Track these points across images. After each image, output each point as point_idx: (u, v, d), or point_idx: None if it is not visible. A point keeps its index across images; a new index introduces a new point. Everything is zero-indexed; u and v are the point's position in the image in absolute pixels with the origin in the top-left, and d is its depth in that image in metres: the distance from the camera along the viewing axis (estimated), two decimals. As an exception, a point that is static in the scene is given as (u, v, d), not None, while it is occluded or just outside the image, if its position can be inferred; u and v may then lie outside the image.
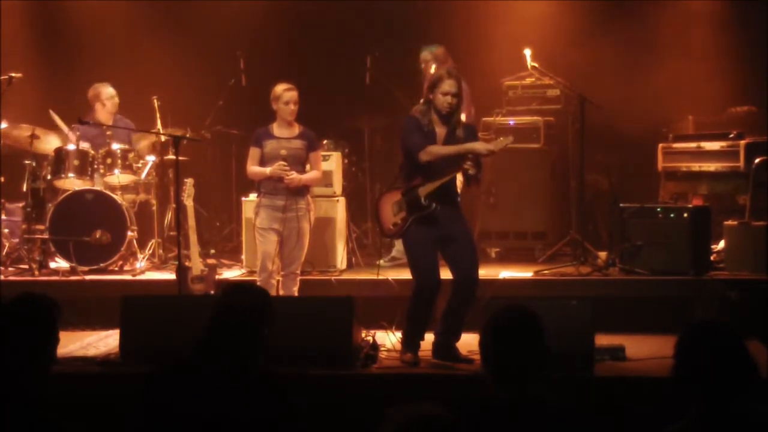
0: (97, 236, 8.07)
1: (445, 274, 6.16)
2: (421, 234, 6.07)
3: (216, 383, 3.43)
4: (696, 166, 8.49)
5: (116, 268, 8.25)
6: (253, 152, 7.01)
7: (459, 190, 6.41)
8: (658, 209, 7.65)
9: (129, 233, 8.14)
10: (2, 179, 8.54)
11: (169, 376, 3.52)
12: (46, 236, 8.12)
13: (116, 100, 8.69)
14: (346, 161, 8.87)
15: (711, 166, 8.38)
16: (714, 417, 3.04)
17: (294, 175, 6.89)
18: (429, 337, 6.20)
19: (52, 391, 3.35)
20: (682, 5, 9.57)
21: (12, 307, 3.37)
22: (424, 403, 2.59)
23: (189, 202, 7.30)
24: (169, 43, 9.78)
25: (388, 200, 6.23)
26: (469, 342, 5.86)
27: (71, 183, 8.25)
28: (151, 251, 8.41)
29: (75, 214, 8.08)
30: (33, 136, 8.31)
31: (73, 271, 7.92)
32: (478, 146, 6.02)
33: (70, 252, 7.95)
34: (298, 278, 7.07)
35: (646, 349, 6.22)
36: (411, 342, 6.15)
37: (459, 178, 6.20)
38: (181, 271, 6.99)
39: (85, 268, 7.98)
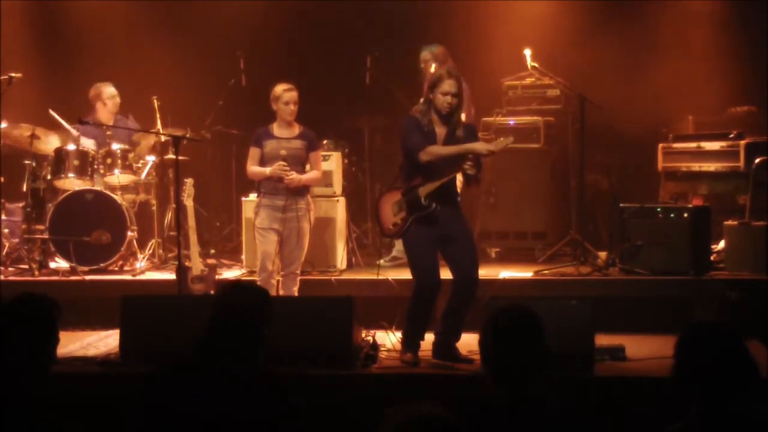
0: (97, 236, 8.06)
1: (445, 274, 6.16)
2: (421, 234, 6.07)
3: (216, 383, 3.43)
4: (696, 166, 8.49)
5: (116, 268, 8.25)
6: (253, 152, 7.01)
7: (459, 190, 6.40)
8: (658, 209, 7.65)
9: (129, 233, 8.14)
10: (2, 179, 8.54)
11: (169, 376, 3.52)
12: (46, 236, 8.11)
13: (117, 99, 8.69)
14: (346, 161, 8.87)
15: (711, 166, 8.38)
16: (714, 417, 3.04)
17: (294, 176, 6.89)
18: (429, 337, 6.20)
19: (52, 391, 3.35)
20: (682, 5, 9.57)
21: (12, 307, 3.37)
22: (424, 403, 2.59)
23: (189, 202, 7.30)
24: (169, 43, 9.77)
25: (388, 200, 6.23)
26: (469, 342, 5.86)
27: (71, 183, 8.25)
28: (151, 251, 8.41)
29: (75, 214, 8.08)
30: (33, 136, 8.31)
31: (73, 271, 7.92)
32: (479, 146, 6.02)
33: (70, 252, 7.95)
34: (298, 278, 7.07)
35: (646, 349, 6.22)
36: (411, 342, 6.15)
37: (459, 178, 6.20)
38: (181, 271, 6.99)
39: (85, 268, 7.98)
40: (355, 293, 6.63)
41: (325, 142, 8.64)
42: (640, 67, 9.52)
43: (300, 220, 6.94)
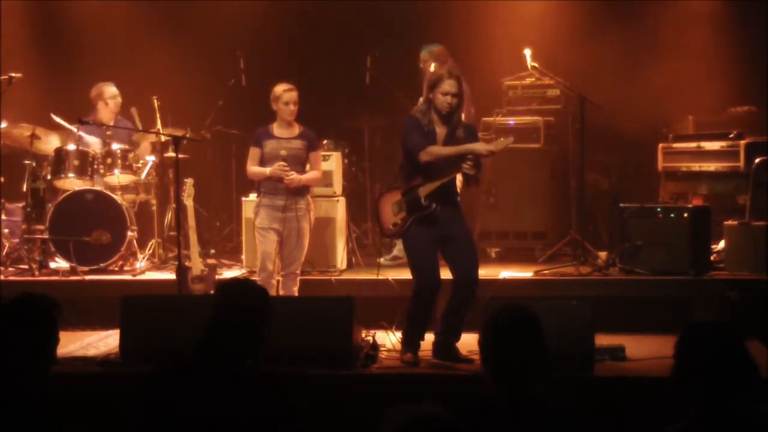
0: (97, 236, 8.06)
1: (445, 274, 6.16)
2: (421, 234, 6.07)
3: (216, 383, 3.43)
4: (696, 166, 8.49)
5: (116, 268, 8.25)
6: (253, 152, 7.02)
7: (459, 190, 6.40)
8: (658, 209, 7.65)
9: (129, 233, 8.14)
10: (2, 179, 8.54)
11: (169, 376, 3.52)
12: (46, 236, 8.11)
13: (119, 99, 8.70)
14: (346, 161, 8.87)
15: (711, 166, 8.38)
16: (714, 417, 3.04)
17: (294, 176, 6.89)
18: (429, 337, 6.20)
19: (52, 391, 3.35)
20: (682, 5, 9.57)
21: (12, 307, 3.37)
22: (424, 403, 2.59)
23: (189, 202, 7.30)
24: (169, 43, 9.77)
25: (388, 200, 6.23)
26: (469, 342, 5.86)
27: (71, 183, 8.25)
28: (151, 251, 8.41)
29: (75, 214, 8.08)
30: (33, 136, 8.31)
31: (73, 271, 7.92)
32: (479, 147, 6.02)
33: (70, 252, 7.95)
34: (298, 278, 7.07)
35: (646, 349, 6.22)
36: (411, 342, 6.15)
37: (459, 177, 6.20)
38: (181, 271, 6.99)
39: (85, 268, 7.98)
40: (355, 293, 6.63)
41: (325, 142, 8.64)
42: (640, 67, 9.52)
43: (300, 220, 6.94)
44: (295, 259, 6.99)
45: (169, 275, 7.60)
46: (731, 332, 3.15)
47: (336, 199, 8.13)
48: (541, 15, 9.60)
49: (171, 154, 7.98)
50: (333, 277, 7.73)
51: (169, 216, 8.78)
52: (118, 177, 8.31)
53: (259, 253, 6.99)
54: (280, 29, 10.12)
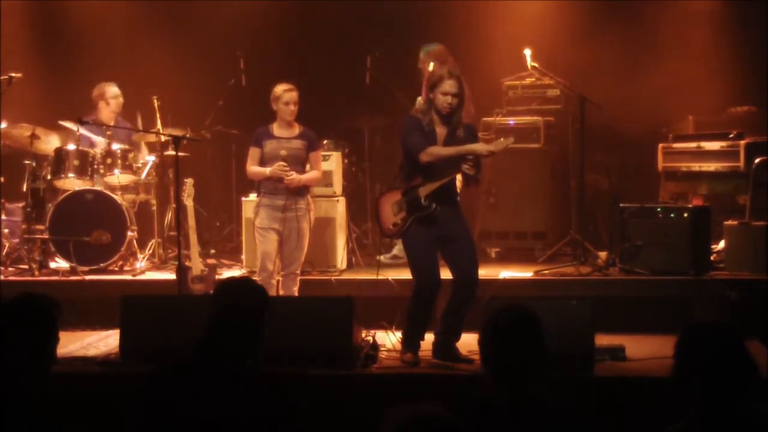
0: (97, 236, 8.06)
1: (445, 274, 6.16)
2: (421, 234, 6.07)
3: (216, 383, 3.43)
4: (696, 166, 8.49)
5: (116, 268, 8.25)
6: (253, 152, 7.02)
7: (458, 190, 6.40)
8: (658, 209, 7.65)
9: (129, 233, 8.14)
10: (2, 179, 8.54)
11: (169, 376, 3.52)
12: (46, 236, 8.11)
13: (120, 100, 8.70)
14: (346, 161, 8.87)
15: (711, 166, 8.38)
16: (714, 417, 3.04)
17: (294, 176, 6.89)
18: (429, 337, 6.20)
19: (52, 391, 3.35)
20: (682, 5, 9.57)
21: (12, 307, 3.37)
22: (424, 403, 2.59)
23: (189, 202, 7.30)
24: (169, 43, 9.77)
25: (387, 200, 6.23)
26: (469, 342, 5.86)
27: (71, 183, 8.25)
28: (151, 251, 8.41)
29: (75, 214, 8.08)
30: (33, 136, 8.31)
31: (73, 271, 7.92)
32: (479, 147, 6.02)
33: (70, 252, 7.95)
34: (298, 278, 7.07)
35: (646, 349, 6.22)
36: (411, 342, 6.15)
37: (458, 178, 6.20)
38: (181, 271, 6.99)
39: (85, 268, 7.98)
40: (355, 293, 6.63)
41: (325, 142, 8.63)
42: (640, 67, 9.51)
43: (300, 220, 6.94)
44: (295, 259, 6.99)
45: (169, 275, 7.60)
46: (731, 332, 3.15)
47: (336, 199, 8.13)
48: (541, 15, 9.60)
49: (171, 152, 7.97)
50: (333, 277, 7.73)
51: (169, 216, 8.78)
52: (118, 177, 8.31)
53: (259, 253, 6.99)
54: (280, 29, 10.12)
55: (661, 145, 8.68)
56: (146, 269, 8.15)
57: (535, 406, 3.24)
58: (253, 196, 7.63)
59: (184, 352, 3.57)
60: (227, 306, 3.59)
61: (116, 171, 8.30)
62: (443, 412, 2.55)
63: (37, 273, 7.99)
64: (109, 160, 8.30)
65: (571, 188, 8.97)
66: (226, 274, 7.94)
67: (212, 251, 9.02)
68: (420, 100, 8.20)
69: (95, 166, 8.25)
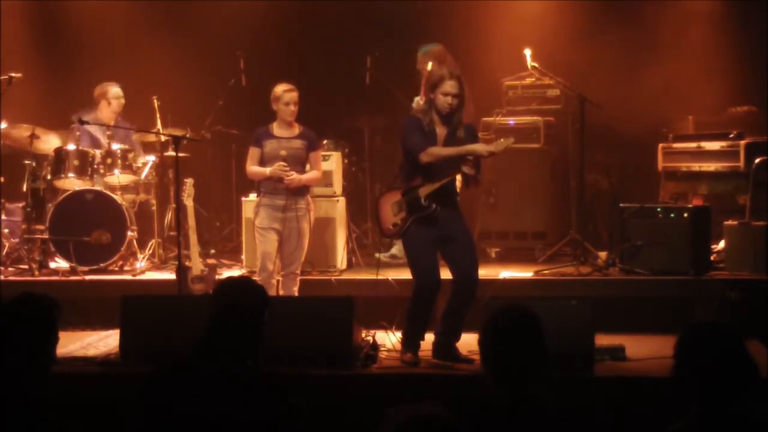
0: (97, 236, 8.06)
1: (445, 274, 6.16)
2: (421, 234, 6.07)
3: (216, 383, 3.43)
4: (696, 166, 8.49)
5: (116, 268, 8.25)
6: (253, 152, 7.02)
7: (458, 190, 6.40)
8: (658, 209, 7.65)
9: (129, 233, 8.14)
10: (2, 179, 8.54)
11: (169, 376, 3.52)
12: (46, 236, 8.11)
13: (122, 101, 8.70)
14: (346, 161, 8.87)
15: (711, 166, 8.38)
16: (714, 417, 3.04)
17: (294, 176, 6.89)
18: (429, 337, 6.20)
19: (52, 391, 3.35)
20: (682, 5, 9.57)
21: (12, 307, 3.37)
22: (424, 403, 2.59)
23: (189, 202, 7.30)
24: (169, 43, 9.77)
25: (387, 200, 6.23)
26: (469, 342, 5.86)
27: (71, 183, 8.25)
28: (151, 251, 8.41)
29: (75, 214, 8.08)
30: (33, 136, 8.31)
31: (73, 271, 7.92)
32: (479, 148, 6.02)
33: (70, 252, 7.95)
34: (298, 278, 7.07)
35: (646, 349, 6.22)
36: (411, 342, 6.15)
37: (458, 178, 6.20)
38: (181, 271, 6.99)
39: (85, 268, 7.98)
40: (355, 293, 6.63)
41: (325, 142, 8.63)
42: (640, 66, 9.51)
43: (300, 220, 6.94)
44: (295, 259, 6.99)
45: (169, 275, 7.60)
46: (731, 332, 3.15)
47: (336, 199, 8.13)
48: (541, 15, 9.59)
49: (171, 153, 7.98)
50: (333, 277, 7.73)
51: (169, 216, 8.78)
52: (118, 177, 8.31)
53: (259, 253, 6.99)
54: (280, 29, 10.12)
55: (661, 145, 8.68)
56: (146, 269, 8.15)
57: (535, 406, 3.24)
58: (253, 196, 7.63)
59: (184, 352, 3.57)
60: (227, 306, 3.59)
61: (116, 171, 8.30)
62: (443, 412, 2.55)
63: (37, 273, 7.99)
64: (109, 160, 8.30)
65: (571, 188, 8.97)
66: (226, 274, 7.93)
67: (212, 251, 9.02)
68: (417, 100, 8.21)
69: (95, 166, 8.25)
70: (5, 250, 8.34)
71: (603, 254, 7.95)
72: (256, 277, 6.87)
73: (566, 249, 8.42)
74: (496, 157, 7.18)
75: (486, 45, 9.45)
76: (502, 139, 6.27)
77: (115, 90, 8.67)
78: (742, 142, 8.18)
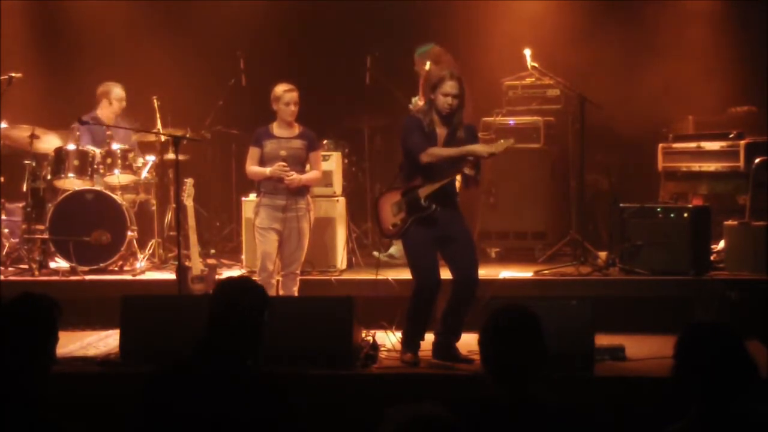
0: (97, 236, 8.06)
1: (445, 274, 6.16)
2: (421, 234, 6.07)
3: (216, 383, 3.43)
4: (696, 166, 8.49)
5: (116, 268, 8.24)
6: (253, 152, 7.02)
7: (457, 191, 6.41)
8: (658, 209, 7.65)
9: (129, 233, 8.14)
10: (2, 179, 8.54)
11: (169, 376, 3.52)
12: (46, 236, 8.11)
13: (124, 103, 8.71)
14: (346, 161, 8.87)
15: (711, 166, 8.38)
16: (714, 417, 3.04)
17: (294, 176, 6.89)
18: (429, 337, 6.20)
19: (52, 391, 3.35)
20: (682, 5, 9.57)
21: (12, 307, 3.37)
22: (424, 403, 2.59)
23: (189, 202, 7.30)
24: (169, 43, 9.77)
25: (387, 200, 6.23)
26: (469, 342, 5.86)
27: (71, 183, 8.25)
28: (151, 251, 8.41)
29: (75, 214, 8.08)
30: (33, 136, 8.31)
31: (73, 271, 7.92)
32: (479, 149, 6.02)
33: (70, 252, 7.95)
34: (298, 278, 7.07)
35: (646, 349, 6.22)
36: (411, 342, 6.15)
37: (458, 178, 6.20)
38: (181, 271, 6.99)
39: (85, 268, 7.98)
40: (355, 293, 6.63)
41: (325, 142, 8.64)
42: (640, 66, 9.51)
43: (300, 220, 6.95)
44: (295, 259, 6.99)
45: (169, 275, 7.60)
46: (731, 332, 3.15)
47: (336, 199, 8.13)
48: (541, 15, 9.59)
49: (171, 156, 7.98)
50: (333, 277, 7.73)
51: (169, 216, 8.78)
52: (118, 177, 8.31)
53: (259, 253, 6.99)
54: (280, 29, 10.12)
55: (661, 145, 8.68)
56: (146, 269, 8.15)
57: (535, 406, 3.24)
58: (253, 196, 7.63)
59: (184, 352, 3.57)
60: (227, 306, 3.59)
61: (116, 171, 8.30)
62: (443, 412, 2.55)
63: (37, 273, 7.99)
64: (109, 160, 8.30)
65: (571, 188, 8.97)
66: (226, 274, 7.93)
67: (212, 251, 9.02)
68: (415, 101, 8.23)
69: (95, 166, 8.25)
70: (5, 250, 8.34)
71: (603, 254, 7.95)
72: (256, 277, 6.87)
73: (566, 249, 8.42)
74: (496, 158, 7.15)
75: (486, 45, 9.45)
76: (502, 140, 6.27)
77: (117, 91, 8.67)
78: (742, 142, 8.18)
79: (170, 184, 8.65)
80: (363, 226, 9.25)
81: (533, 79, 9.03)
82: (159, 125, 8.69)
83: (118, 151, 8.32)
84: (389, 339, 6.51)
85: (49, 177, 8.29)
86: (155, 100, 8.74)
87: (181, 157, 7.27)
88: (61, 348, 3.57)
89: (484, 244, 8.72)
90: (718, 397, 3.05)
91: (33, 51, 9.93)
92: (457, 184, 6.33)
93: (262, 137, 7.00)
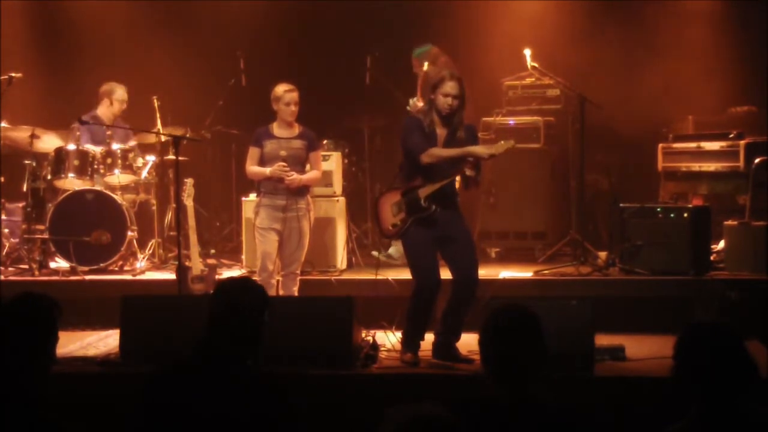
0: (97, 236, 8.06)
1: (445, 274, 6.16)
2: (421, 234, 6.07)
3: (216, 383, 3.43)
4: (696, 166, 8.49)
5: (116, 268, 8.24)
6: (253, 152, 7.01)
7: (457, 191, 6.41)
8: (658, 209, 7.65)
9: (129, 233, 8.14)
10: (2, 179, 8.54)
11: (169, 376, 3.52)
12: (46, 236, 8.11)
13: (125, 105, 8.71)
14: (346, 161, 8.87)
15: (711, 166, 8.38)
16: (714, 417, 3.04)
17: (294, 176, 6.89)
18: (429, 337, 6.20)
19: (52, 391, 3.35)
20: (682, 5, 9.57)
21: (12, 307, 3.37)
22: (424, 403, 2.59)
23: (189, 202, 7.30)
24: (169, 43, 9.78)
25: (387, 201, 6.23)
26: (469, 342, 5.86)
27: (71, 183, 8.25)
28: (151, 251, 8.41)
29: (75, 214, 8.08)
30: (33, 136, 8.31)
31: (73, 271, 7.92)
32: (480, 150, 6.02)
33: (70, 252, 7.95)
34: (298, 278, 7.07)
35: (646, 349, 6.22)
36: (411, 342, 6.15)
37: (457, 178, 6.20)
38: (181, 271, 6.99)
39: (85, 268, 7.98)
40: (355, 293, 6.62)
41: (325, 142, 8.64)
42: (640, 66, 9.52)
43: (300, 219, 6.95)
44: (295, 260, 6.99)
45: (169, 275, 7.60)
46: (731, 332, 3.15)
47: (336, 199, 8.13)
48: (541, 15, 9.60)
49: (171, 156, 7.98)
50: (333, 277, 7.73)
51: (169, 216, 8.78)
52: (118, 177, 8.31)
53: (259, 253, 6.98)
54: (280, 29, 10.12)
55: (661, 145, 8.68)
56: (146, 269, 8.15)
57: (535, 406, 3.24)
58: (253, 196, 7.63)
59: (184, 352, 3.57)
60: (227, 306, 3.59)
61: (116, 171, 8.30)
62: (443, 412, 2.55)
63: (37, 273, 7.99)
64: (109, 160, 8.30)
65: (571, 188, 8.97)
66: (226, 274, 7.94)
67: (212, 251, 9.02)
68: (413, 102, 8.23)
69: (95, 166, 8.25)
70: (5, 250, 8.34)
71: (603, 254, 7.95)
72: (256, 277, 6.87)
73: (566, 249, 8.42)
74: (496, 158, 7.16)
75: (486, 45, 9.45)
76: (502, 142, 6.26)
77: (120, 92, 8.67)
78: (742, 142, 8.18)
79: (170, 184, 8.65)
80: (363, 226, 9.25)
81: (533, 79, 9.03)
82: (159, 125, 8.69)
83: (118, 151, 8.32)
84: (389, 339, 6.51)
85: (49, 177, 8.29)
86: (155, 100, 8.74)
87: (181, 157, 7.26)
88: (61, 348, 3.57)
89: (484, 244, 8.72)
90: (718, 397, 3.05)
91: (33, 51, 9.93)
92: (457, 185, 6.33)
93: (262, 137, 7.00)
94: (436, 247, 6.13)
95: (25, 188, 8.41)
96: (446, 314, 6.15)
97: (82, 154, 8.23)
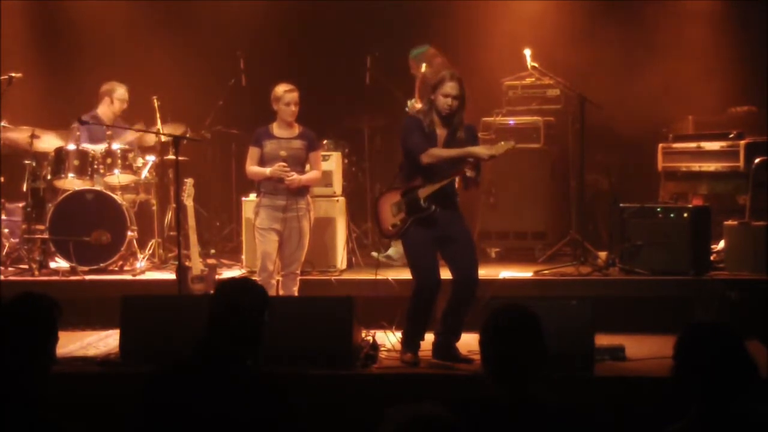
0: (97, 236, 8.06)
1: (445, 274, 6.16)
2: (421, 234, 6.07)
3: (216, 383, 3.43)
4: (696, 166, 8.49)
5: (116, 268, 8.24)
6: (253, 152, 7.01)
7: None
8: (658, 209, 7.65)
9: (129, 233, 8.14)
10: (2, 179, 8.54)
11: (169, 376, 3.52)
12: (46, 236, 8.11)
13: (125, 105, 8.71)
14: (346, 161, 8.87)
15: (711, 166, 8.38)
16: (714, 417, 3.04)
17: (294, 176, 6.89)
18: (429, 337, 6.20)
19: (52, 391, 3.35)
20: (682, 5, 9.57)
21: (12, 307, 3.37)
22: (424, 403, 2.59)
23: (189, 202, 7.30)
24: (169, 43, 9.78)
25: (387, 201, 6.23)
26: (469, 342, 5.86)
27: (71, 183, 8.25)
28: (151, 251, 8.41)
29: (75, 214, 8.08)
30: (33, 136, 8.31)
31: (73, 271, 7.92)
32: (480, 150, 6.02)
33: (70, 252, 7.95)
34: (298, 278, 7.07)
35: (646, 349, 6.22)
36: (411, 342, 6.15)
37: (457, 178, 6.20)
38: (181, 271, 6.99)
39: (85, 268, 7.98)
40: (355, 293, 6.62)
41: (325, 142, 8.64)
42: (640, 66, 9.52)
43: (300, 220, 6.95)
44: (295, 260, 6.99)
45: (169, 275, 7.59)
46: (731, 332, 3.15)
47: (336, 199, 8.13)
48: (541, 15, 9.60)
49: (171, 156, 7.98)
50: (333, 277, 7.73)
51: (169, 216, 8.78)
52: (118, 177, 8.31)
53: (259, 253, 6.98)
54: (280, 29, 10.12)
55: (661, 145, 8.68)
56: (146, 269, 8.15)
57: (535, 406, 3.24)
58: (253, 196, 7.63)
59: (184, 352, 3.57)
60: (227, 306, 3.59)
61: (116, 171, 8.30)
62: (443, 412, 2.55)
63: (37, 273, 7.99)
64: (109, 160, 8.30)
65: (571, 188, 8.97)
66: (226, 274, 7.94)
67: (212, 251, 9.02)
68: (412, 103, 8.23)
69: (95, 166, 8.25)
70: (5, 250, 8.34)
71: (603, 254, 7.95)
72: (256, 277, 6.87)
73: (566, 249, 8.42)
74: (496, 158, 7.18)
75: (486, 45, 9.45)
76: (502, 142, 6.26)
77: (121, 92, 8.68)
78: (742, 142, 8.19)
79: (170, 184, 8.65)
80: (363, 226, 9.25)
81: (533, 79, 9.03)
82: (159, 125, 8.69)
83: (118, 151, 8.32)
84: (389, 339, 6.51)
85: (49, 177, 8.30)
86: (155, 100, 8.74)
87: (181, 157, 7.26)
88: (61, 348, 3.57)
89: (484, 244, 8.72)
90: (718, 397, 3.05)
91: (33, 51, 9.93)
92: (456, 185, 6.32)
93: (262, 137, 7.00)
94: (436, 247, 6.13)
95: (25, 188, 8.41)
96: (446, 314, 6.15)
97: (82, 154, 8.23)
